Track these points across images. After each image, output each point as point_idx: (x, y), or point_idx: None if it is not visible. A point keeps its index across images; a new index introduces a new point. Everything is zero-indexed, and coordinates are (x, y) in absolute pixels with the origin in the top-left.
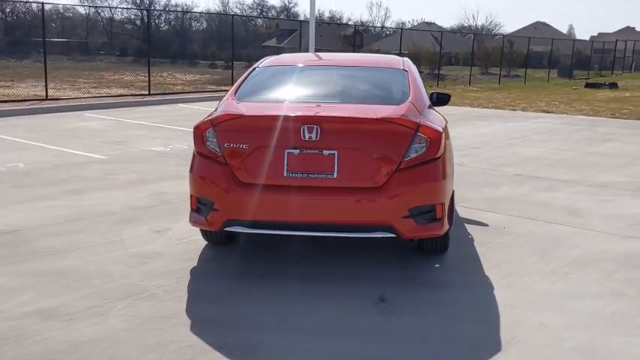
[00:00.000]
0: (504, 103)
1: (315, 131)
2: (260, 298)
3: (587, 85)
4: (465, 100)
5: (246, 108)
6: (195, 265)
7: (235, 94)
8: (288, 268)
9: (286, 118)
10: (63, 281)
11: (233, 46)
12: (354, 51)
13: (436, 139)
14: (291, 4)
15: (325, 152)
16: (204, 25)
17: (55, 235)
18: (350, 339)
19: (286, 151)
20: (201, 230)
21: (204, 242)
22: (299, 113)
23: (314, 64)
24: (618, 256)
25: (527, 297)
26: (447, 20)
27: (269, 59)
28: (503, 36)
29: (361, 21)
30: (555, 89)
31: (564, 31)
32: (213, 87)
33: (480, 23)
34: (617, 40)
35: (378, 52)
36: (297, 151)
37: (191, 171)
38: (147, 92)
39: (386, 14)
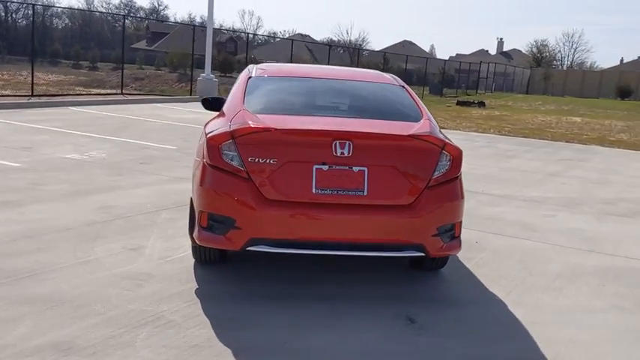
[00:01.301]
0: None
1: (347, 147)
2: (289, 323)
3: (459, 103)
4: None
5: (270, 120)
6: (197, 286)
7: (243, 104)
8: (301, 289)
9: (317, 132)
10: (58, 308)
11: (123, 48)
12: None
13: (458, 158)
14: (160, 7)
15: (355, 168)
16: (67, 22)
17: (19, 255)
18: None
19: (314, 167)
20: (194, 248)
21: (192, 261)
22: (330, 128)
23: (312, 75)
24: (594, 270)
25: (540, 313)
26: (319, 33)
27: (257, 68)
28: (384, 52)
29: (233, 28)
30: (432, 106)
31: (427, 50)
32: (81, 88)
33: (353, 38)
34: (481, 62)
35: (254, 60)
36: (326, 166)
37: (202, 185)
38: (29, 93)
39: (258, 23)
